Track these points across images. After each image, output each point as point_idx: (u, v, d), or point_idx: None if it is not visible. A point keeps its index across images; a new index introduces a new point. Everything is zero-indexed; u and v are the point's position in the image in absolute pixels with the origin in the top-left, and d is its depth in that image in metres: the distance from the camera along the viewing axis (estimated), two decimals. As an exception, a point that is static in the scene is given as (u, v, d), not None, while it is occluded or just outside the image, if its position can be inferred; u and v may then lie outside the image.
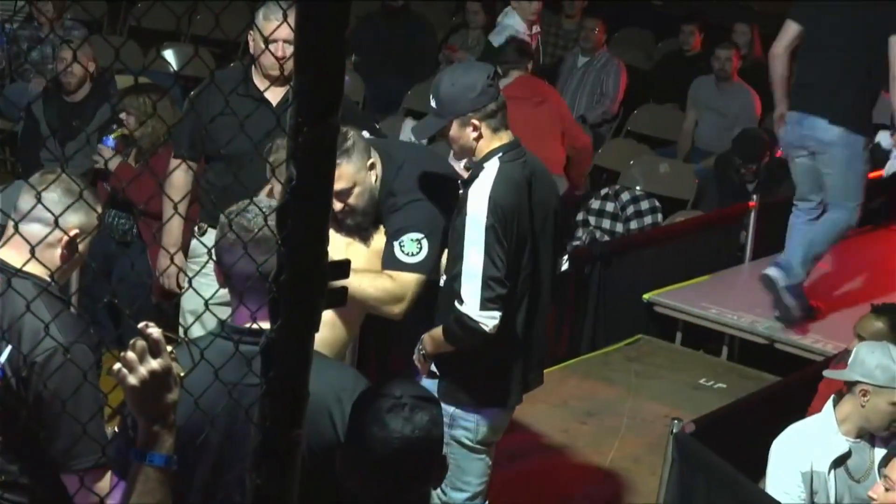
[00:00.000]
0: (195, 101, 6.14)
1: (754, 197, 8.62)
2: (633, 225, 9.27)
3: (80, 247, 3.83)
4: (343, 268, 2.45)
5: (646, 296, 7.77)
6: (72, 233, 3.77)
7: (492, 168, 4.63)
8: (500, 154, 4.66)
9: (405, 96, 11.43)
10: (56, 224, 3.33)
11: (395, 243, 4.74)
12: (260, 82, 5.77)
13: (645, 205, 9.32)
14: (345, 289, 2.46)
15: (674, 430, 5.25)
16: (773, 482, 5.05)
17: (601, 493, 5.87)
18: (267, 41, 5.64)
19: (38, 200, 3.07)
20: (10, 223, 3.81)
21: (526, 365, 4.87)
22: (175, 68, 11.12)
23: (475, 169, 4.69)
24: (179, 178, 5.99)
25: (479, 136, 4.66)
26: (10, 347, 3.65)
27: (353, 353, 5.91)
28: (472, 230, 4.55)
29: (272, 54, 5.68)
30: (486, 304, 4.50)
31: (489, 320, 4.51)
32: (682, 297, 7.79)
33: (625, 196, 9.28)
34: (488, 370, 4.75)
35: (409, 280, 4.71)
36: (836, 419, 5.09)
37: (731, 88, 10.56)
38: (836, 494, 5.03)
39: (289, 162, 2.40)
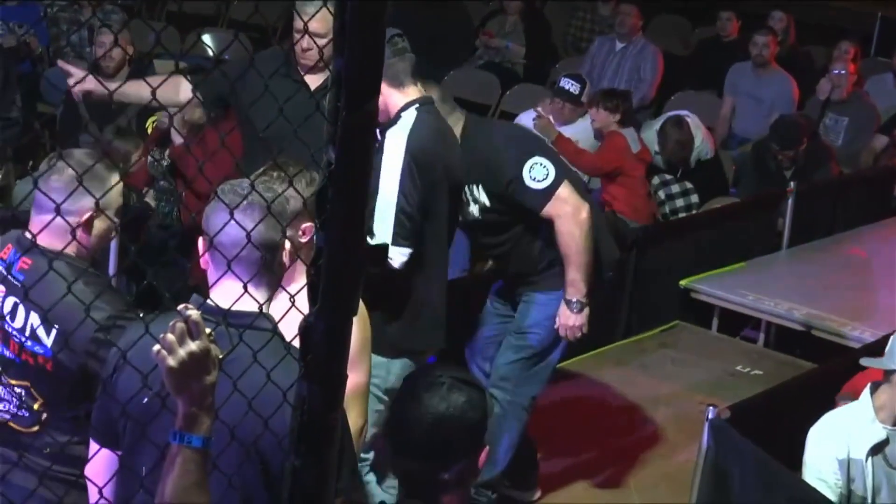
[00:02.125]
0: (237, 83, 6.13)
1: (792, 183, 8.58)
2: (666, 209, 9.22)
3: (99, 223, 3.87)
4: (380, 252, 2.46)
5: (682, 282, 7.74)
6: (85, 216, 3.83)
7: (409, 116, 4.88)
8: (417, 105, 4.93)
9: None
10: (58, 212, 3.34)
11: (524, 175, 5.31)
12: (300, 68, 5.80)
13: (675, 188, 9.27)
14: (381, 271, 2.48)
15: (709, 417, 5.24)
16: (810, 469, 5.03)
17: (636, 478, 5.87)
18: (298, 31, 5.67)
19: (38, 188, 3.11)
20: (33, 213, 3.93)
21: (434, 320, 4.96)
22: (214, 53, 11.14)
23: (394, 118, 4.90)
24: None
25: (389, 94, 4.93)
26: (55, 329, 3.74)
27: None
28: (389, 167, 4.72)
29: (301, 44, 5.72)
30: (396, 239, 4.57)
31: (399, 255, 4.57)
32: (718, 283, 7.76)
33: (654, 180, 9.24)
34: (400, 320, 4.82)
35: (567, 193, 5.30)
36: (873, 407, 5.06)
37: (769, 74, 10.52)
38: (874, 482, 5.00)
39: (327, 146, 2.41)
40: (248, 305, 2.86)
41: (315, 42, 5.49)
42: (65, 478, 3.83)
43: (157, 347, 2.55)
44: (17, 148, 8.48)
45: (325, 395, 2.58)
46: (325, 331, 2.53)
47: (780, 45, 10.69)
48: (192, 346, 2.53)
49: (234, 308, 2.88)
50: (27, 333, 3.85)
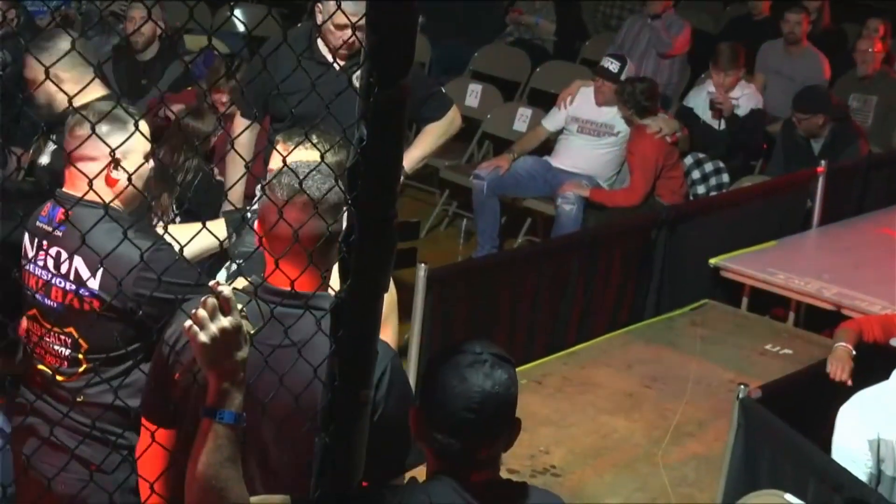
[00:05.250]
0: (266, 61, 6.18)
1: (822, 162, 8.54)
2: (700, 189, 9.23)
3: (128, 165, 3.90)
4: (413, 229, 2.45)
5: (712, 260, 7.72)
6: (110, 165, 3.93)
7: None
8: None
9: (471, 58, 11.42)
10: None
11: None
12: (324, 50, 5.82)
13: (709, 167, 9.28)
14: (414, 249, 2.48)
15: (740, 396, 5.23)
16: (840, 449, 5.01)
17: (665, 456, 5.86)
18: (326, 23, 5.74)
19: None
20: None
21: None
22: (244, 29, 11.14)
23: None
24: (246, 137, 6.04)
25: None
26: (100, 270, 3.87)
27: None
28: None
29: (330, 37, 5.78)
30: None
31: None
32: (748, 261, 7.73)
33: (688, 160, 9.25)
34: None
35: None
36: (903, 387, 5.05)
37: (801, 53, 10.48)
38: (904, 462, 4.99)
39: (359, 123, 2.41)
40: (305, 287, 2.94)
41: (338, 39, 5.57)
42: (102, 437, 3.90)
43: (188, 323, 2.55)
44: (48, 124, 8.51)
45: (355, 372, 2.59)
46: (356, 308, 2.54)
47: (813, 24, 10.63)
48: (224, 321, 2.54)
49: (292, 289, 2.93)
50: (72, 278, 3.97)
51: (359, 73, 5.82)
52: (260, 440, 3.18)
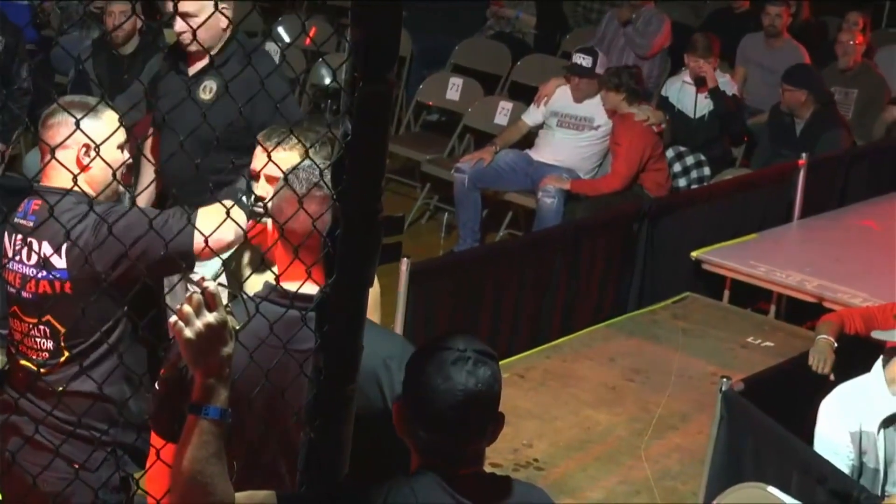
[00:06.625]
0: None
1: (804, 154, 8.56)
2: (682, 182, 9.25)
3: (102, 154, 3.93)
4: (398, 223, 2.45)
5: (694, 253, 7.73)
6: (80, 150, 3.99)
7: None
8: None
9: (452, 52, 11.42)
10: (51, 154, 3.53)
11: None
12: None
13: (690, 160, 9.31)
14: (399, 244, 2.48)
15: (723, 388, 5.24)
16: (822, 442, 5.03)
17: (648, 449, 5.87)
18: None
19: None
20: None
21: None
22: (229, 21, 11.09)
23: None
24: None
25: None
26: (65, 248, 3.93)
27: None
28: None
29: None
30: None
31: None
32: (730, 254, 7.75)
33: (669, 153, 9.27)
34: None
35: None
36: (885, 379, 5.06)
37: (781, 45, 10.50)
38: (886, 454, 5.01)
39: (344, 117, 2.41)
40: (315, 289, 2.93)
41: (182, 26, 5.56)
42: (85, 435, 3.90)
43: (173, 319, 2.55)
44: (30, 117, 8.50)
45: (341, 367, 2.59)
46: (342, 302, 2.54)
47: (793, 17, 10.65)
48: (210, 317, 2.53)
49: (301, 291, 2.94)
50: (43, 264, 4.00)
51: (206, 83, 5.85)
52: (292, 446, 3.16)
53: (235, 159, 5.35)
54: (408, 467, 2.85)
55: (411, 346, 3.44)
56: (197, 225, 3.82)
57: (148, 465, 3.37)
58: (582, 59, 9.13)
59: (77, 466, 3.84)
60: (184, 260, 3.86)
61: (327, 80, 11.07)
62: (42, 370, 4.07)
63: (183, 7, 5.46)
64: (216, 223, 3.31)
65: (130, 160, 4.23)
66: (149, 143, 5.97)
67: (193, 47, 5.63)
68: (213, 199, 3.88)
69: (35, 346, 4.11)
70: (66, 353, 4.06)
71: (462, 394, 2.72)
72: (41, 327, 4.07)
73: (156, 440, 3.35)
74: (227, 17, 5.43)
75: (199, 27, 5.33)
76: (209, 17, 5.29)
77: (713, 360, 6.79)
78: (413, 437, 2.79)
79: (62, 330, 4.05)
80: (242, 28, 10.54)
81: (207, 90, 5.64)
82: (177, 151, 4.74)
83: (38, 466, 3.78)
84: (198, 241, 3.82)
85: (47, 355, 4.09)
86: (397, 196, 10.03)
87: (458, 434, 2.76)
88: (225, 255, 4.23)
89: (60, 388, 4.00)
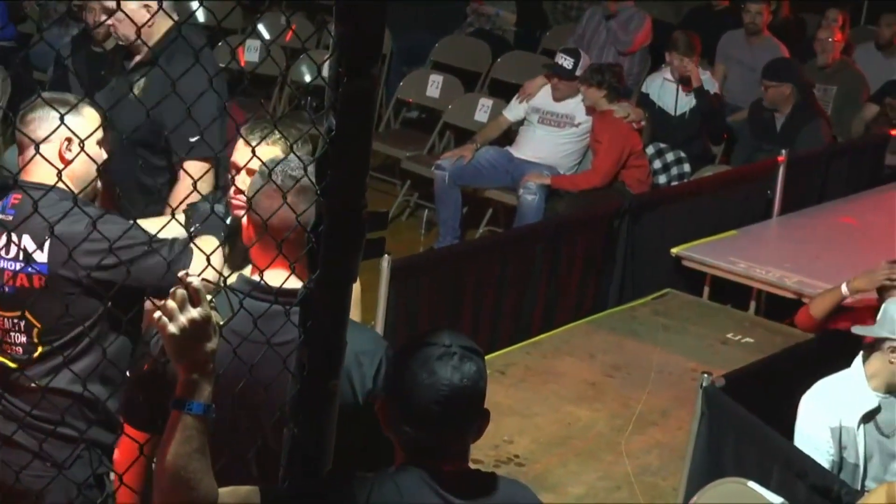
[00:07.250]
0: None
1: (783, 151, 8.58)
2: (662, 179, 9.28)
3: (88, 150, 3.94)
4: (381, 219, 2.45)
5: (674, 250, 7.75)
6: (61, 142, 3.98)
7: None
8: None
9: (432, 49, 11.41)
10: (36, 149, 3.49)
11: None
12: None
13: (670, 157, 9.33)
14: (382, 239, 2.48)
15: (703, 384, 5.25)
16: (803, 437, 5.05)
17: (629, 445, 5.88)
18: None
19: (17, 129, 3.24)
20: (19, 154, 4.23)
21: None
22: (203, 20, 11.08)
23: None
24: None
25: None
26: (48, 244, 3.92)
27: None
28: None
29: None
30: None
31: None
32: (710, 251, 7.77)
33: (649, 150, 9.29)
34: None
35: None
36: (865, 374, 5.08)
37: (761, 42, 10.53)
38: (866, 449, 5.03)
39: (328, 112, 2.41)
40: (298, 283, 2.92)
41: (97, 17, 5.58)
42: (62, 433, 3.89)
43: (157, 314, 2.55)
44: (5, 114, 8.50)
45: (324, 362, 2.59)
46: (325, 298, 2.54)
47: (772, 14, 10.68)
48: (193, 312, 2.53)
49: (285, 286, 2.95)
50: (21, 258, 3.99)
51: (140, 82, 5.83)
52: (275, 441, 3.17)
53: (156, 160, 5.39)
54: (378, 463, 2.86)
55: (384, 340, 3.45)
56: (193, 261, 3.85)
57: (117, 452, 3.38)
58: (564, 60, 9.14)
59: (51, 465, 3.83)
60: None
61: (308, 78, 11.06)
62: (17, 365, 4.07)
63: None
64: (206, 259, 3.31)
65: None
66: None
67: (122, 42, 5.69)
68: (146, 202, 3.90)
69: (11, 342, 4.10)
70: (41, 349, 4.05)
71: (447, 389, 2.72)
72: (16, 321, 4.07)
73: (127, 429, 3.36)
74: (167, 14, 5.42)
75: (105, 21, 5.33)
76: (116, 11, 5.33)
77: (693, 356, 6.81)
78: (398, 433, 2.79)
79: (37, 324, 4.04)
80: (226, 25, 10.58)
81: (138, 87, 5.62)
82: (115, 149, 4.74)
83: (12, 465, 3.77)
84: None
85: (22, 351, 4.08)
86: (377, 193, 10.01)
87: (443, 430, 2.76)
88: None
89: (33, 385, 3.98)
